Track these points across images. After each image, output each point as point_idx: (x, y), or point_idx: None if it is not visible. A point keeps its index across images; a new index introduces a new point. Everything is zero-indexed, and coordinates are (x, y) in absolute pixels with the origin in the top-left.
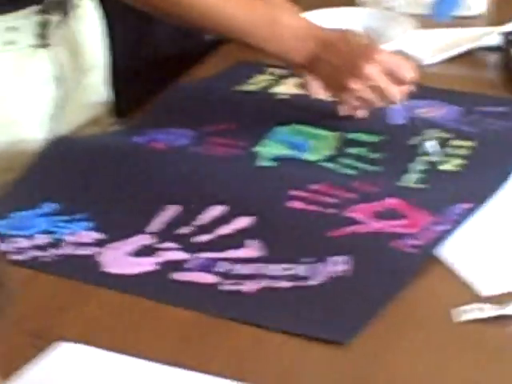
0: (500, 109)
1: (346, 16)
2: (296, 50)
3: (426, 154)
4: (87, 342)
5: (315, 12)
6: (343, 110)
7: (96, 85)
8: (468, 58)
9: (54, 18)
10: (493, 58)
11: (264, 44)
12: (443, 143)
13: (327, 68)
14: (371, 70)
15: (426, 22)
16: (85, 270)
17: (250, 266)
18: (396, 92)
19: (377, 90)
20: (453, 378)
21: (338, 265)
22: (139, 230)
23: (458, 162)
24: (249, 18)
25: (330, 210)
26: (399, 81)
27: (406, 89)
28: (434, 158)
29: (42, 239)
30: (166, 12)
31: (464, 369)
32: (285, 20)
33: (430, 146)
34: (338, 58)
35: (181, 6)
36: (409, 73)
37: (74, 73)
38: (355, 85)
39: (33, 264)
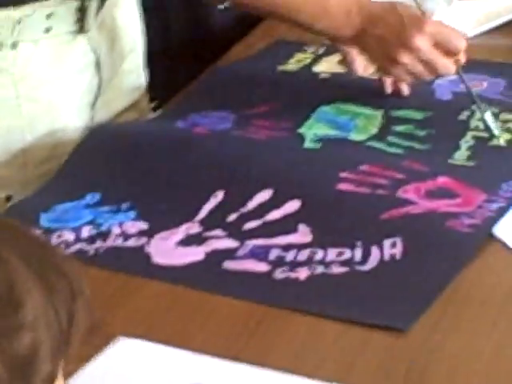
0: None
1: None
2: (345, 26)
3: (478, 128)
4: (142, 337)
5: None
6: (388, 88)
7: (133, 69)
8: (509, 27)
9: (92, 3)
10: None
11: (313, 21)
12: (494, 117)
13: (376, 42)
14: (422, 42)
15: None
16: (135, 262)
17: (303, 252)
18: (448, 64)
19: (428, 63)
20: None
21: (393, 248)
22: (186, 219)
23: (507, 136)
24: None
25: (381, 192)
26: (451, 52)
27: (459, 60)
28: (492, 130)
29: (88, 231)
30: None
31: None
32: None
33: (488, 117)
34: (388, 31)
35: None
36: (461, 43)
37: (111, 58)
38: (406, 58)
39: (82, 257)
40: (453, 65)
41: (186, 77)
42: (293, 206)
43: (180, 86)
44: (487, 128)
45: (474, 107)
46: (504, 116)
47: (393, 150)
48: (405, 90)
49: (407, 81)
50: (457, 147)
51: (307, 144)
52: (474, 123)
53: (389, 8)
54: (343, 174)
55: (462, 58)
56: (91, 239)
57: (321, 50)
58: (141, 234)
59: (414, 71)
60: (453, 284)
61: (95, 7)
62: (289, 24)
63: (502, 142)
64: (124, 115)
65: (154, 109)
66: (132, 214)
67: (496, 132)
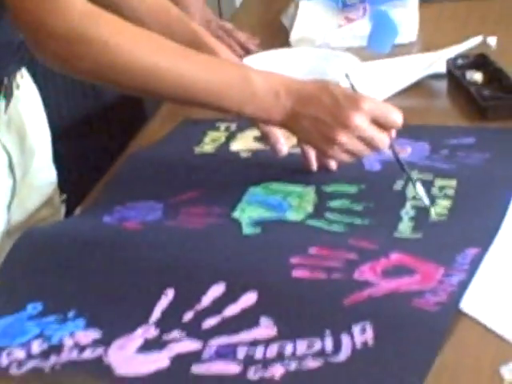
0: (466, 140)
1: (284, 57)
2: (275, 108)
3: (416, 198)
4: None
5: (253, 56)
6: (313, 163)
7: (44, 165)
8: (417, 87)
9: (0, 104)
10: (440, 85)
11: (240, 107)
12: (428, 185)
13: (311, 123)
14: (361, 120)
15: (364, 54)
16: (98, 377)
17: (271, 347)
18: (385, 139)
19: (366, 139)
20: None
21: (364, 333)
22: (139, 322)
23: (447, 203)
24: (225, 80)
25: (338, 275)
26: (387, 127)
27: (390, 135)
28: (424, 202)
29: (39, 346)
30: (130, 87)
31: None
32: (257, 77)
33: (420, 189)
34: (323, 111)
35: (149, 79)
36: (399, 117)
37: (23, 157)
38: (345, 137)
39: (38, 377)
40: (387, 139)
41: (93, 164)
42: (249, 298)
43: (88, 174)
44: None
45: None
46: (439, 182)
47: (334, 227)
48: (332, 164)
49: (345, 160)
50: (399, 219)
51: (245, 230)
52: (410, 193)
53: (320, 87)
54: (295, 260)
55: (393, 132)
56: (44, 355)
57: (233, 127)
58: (95, 343)
59: (353, 149)
60: (435, 368)
61: (3, 107)
62: (210, 110)
63: (432, 214)
64: (39, 213)
65: (65, 201)
66: (81, 322)
67: (427, 203)
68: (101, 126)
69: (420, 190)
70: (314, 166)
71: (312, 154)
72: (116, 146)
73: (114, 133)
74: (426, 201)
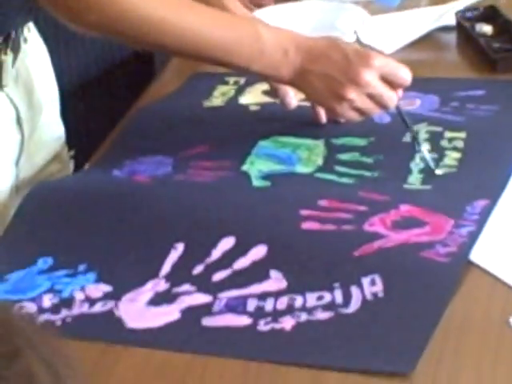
0: (476, 92)
1: (293, 11)
2: (284, 66)
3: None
4: None
5: (263, 10)
6: (322, 116)
7: (52, 121)
8: (427, 40)
9: (8, 57)
10: (450, 38)
11: (248, 63)
12: (438, 137)
13: (320, 80)
14: (371, 76)
15: (373, 7)
16: (109, 330)
17: (281, 300)
18: (394, 97)
19: (376, 97)
20: None
21: (374, 285)
22: (150, 276)
23: (457, 155)
24: (234, 35)
25: (348, 227)
26: (396, 85)
27: (399, 92)
28: (429, 164)
29: (50, 300)
30: (137, 40)
31: None
32: (266, 33)
33: (425, 152)
34: (333, 68)
35: (156, 32)
36: (408, 75)
37: (31, 112)
38: (354, 94)
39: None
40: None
41: (101, 121)
42: (259, 251)
43: (96, 131)
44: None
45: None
46: (448, 134)
47: (344, 180)
48: (341, 119)
49: (354, 118)
50: (408, 171)
51: (255, 183)
52: (420, 147)
53: (331, 44)
54: (305, 212)
55: (400, 91)
56: (55, 308)
57: (242, 81)
58: (106, 297)
59: (362, 107)
60: (444, 318)
61: (10, 61)
62: (217, 65)
63: (447, 162)
64: (47, 168)
65: (73, 157)
66: (91, 276)
67: (432, 166)
68: (110, 84)
69: (425, 152)
70: (324, 118)
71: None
72: (125, 104)
73: (123, 91)
74: (431, 164)
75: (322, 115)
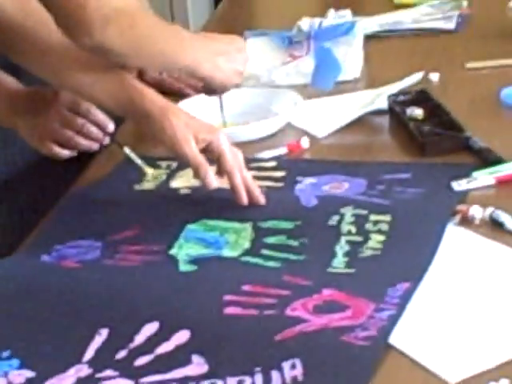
0: (403, 175)
1: (228, 97)
2: None
3: (351, 233)
4: None
5: (196, 97)
6: (242, 197)
7: None
8: (359, 124)
9: None
10: (382, 121)
11: None
12: (363, 220)
13: None
14: None
15: (308, 91)
16: None
17: None
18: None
19: None
20: None
21: (294, 369)
22: (73, 361)
23: (381, 238)
24: None
25: (270, 312)
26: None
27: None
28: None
29: None
30: None
31: None
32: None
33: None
34: None
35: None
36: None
37: None
38: None
39: None
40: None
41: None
42: (182, 336)
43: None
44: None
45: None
46: (373, 217)
47: (270, 263)
48: (260, 199)
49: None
50: (333, 255)
51: (182, 267)
52: (345, 228)
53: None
54: (228, 298)
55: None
56: None
57: (174, 165)
58: (29, 383)
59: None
60: None
61: None
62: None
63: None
64: None
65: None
66: (15, 362)
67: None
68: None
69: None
70: (245, 200)
71: (241, 188)
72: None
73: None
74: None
75: (243, 197)
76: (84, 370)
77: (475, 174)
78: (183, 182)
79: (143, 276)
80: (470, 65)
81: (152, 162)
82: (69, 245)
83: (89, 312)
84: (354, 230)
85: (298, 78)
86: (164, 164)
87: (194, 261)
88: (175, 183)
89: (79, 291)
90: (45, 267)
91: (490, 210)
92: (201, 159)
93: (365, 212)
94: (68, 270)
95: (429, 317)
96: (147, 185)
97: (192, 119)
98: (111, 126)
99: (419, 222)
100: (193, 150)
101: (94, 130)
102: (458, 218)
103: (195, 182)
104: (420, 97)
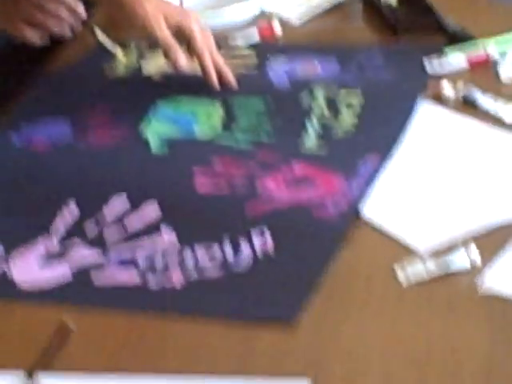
0: (375, 58)
1: None
2: None
3: (323, 114)
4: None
5: None
6: (213, 80)
7: None
8: (334, 10)
9: None
10: (356, 7)
11: None
12: (334, 99)
13: None
14: None
15: None
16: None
17: (172, 256)
18: None
19: None
20: (405, 339)
21: (265, 244)
22: (41, 233)
23: (353, 119)
24: None
25: (241, 187)
26: None
27: None
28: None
29: None
30: None
31: (415, 329)
32: None
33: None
34: None
35: None
36: None
37: None
38: None
39: None
40: None
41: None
42: (151, 208)
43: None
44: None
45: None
46: (346, 99)
47: (243, 146)
48: (232, 82)
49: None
50: (305, 136)
51: (154, 149)
52: (317, 109)
53: None
54: (197, 169)
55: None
56: None
57: (144, 46)
58: None
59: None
60: (332, 272)
61: None
62: None
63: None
64: None
65: None
66: None
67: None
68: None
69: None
70: (215, 79)
71: (211, 69)
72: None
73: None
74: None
75: (213, 78)
76: (52, 241)
77: (447, 49)
78: (155, 67)
79: (114, 158)
80: None
81: (122, 44)
82: (39, 125)
83: (57, 187)
84: (326, 111)
85: None
86: (133, 44)
87: (166, 143)
88: (147, 69)
89: (49, 171)
90: (15, 151)
91: (461, 87)
92: (171, 40)
93: (337, 93)
94: (39, 154)
95: (400, 190)
96: (119, 70)
97: (163, 2)
98: (81, 9)
99: (391, 101)
100: (164, 32)
101: (65, 14)
102: (430, 95)
103: (167, 68)
104: None
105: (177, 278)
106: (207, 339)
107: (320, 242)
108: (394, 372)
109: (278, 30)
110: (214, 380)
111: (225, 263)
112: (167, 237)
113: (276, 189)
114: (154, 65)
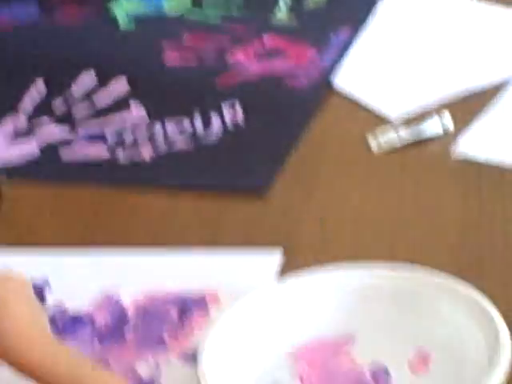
0: None
1: None
2: None
3: None
4: None
5: None
6: None
7: None
8: None
9: None
10: None
11: None
12: None
13: None
14: None
15: None
16: None
17: (141, 130)
18: None
19: None
20: (377, 206)
21: (235, 114)
22: (8, 112)
23: None
24: None
25: (211, 59)
26: None
27: None
28: None
29: None
30: None
31: (388, 196)
32: None
33: None
34: None
35: None
36: None
37: None
38: None
39: None
40: None
41: None
42: (120, 83)
43: None
44: None
45: None
46: None
47: (213, 20)
48: None
49: None
50: (276, 8)
51: (122, 25)
52: None
53: None
54: (166, 43)
55: None
56: None
57: None
58: None
59: None
60: (304, 142)
61: None
62: None
63: None
64: None
65: None
66: None
67: None
68: None
69: None
70: None
71: None
72: None
73: None
74: None
75: None
76: (20, 120)
77: None
78: None
79: (82, 35)
80: None
81: None
82: (3, 4)
83: (23, 65)
84: None
85: None
86: None
87: (134, 19)
88: None
89: (15, 50)
90: None
91: None
92: None
93: None
94: (3, 33)
95: (372, 60)
96: None
97: None
98: None
99: None
100: None
101: None
102: None
103: None
104: None
105: (146, 152)
106: (178, 211)
107: (292, 112)
108: (366, 238)
109: None
110: (186, 252)
111: (195, 135)
112: (136, 112)
113: (247, 61)
114: None
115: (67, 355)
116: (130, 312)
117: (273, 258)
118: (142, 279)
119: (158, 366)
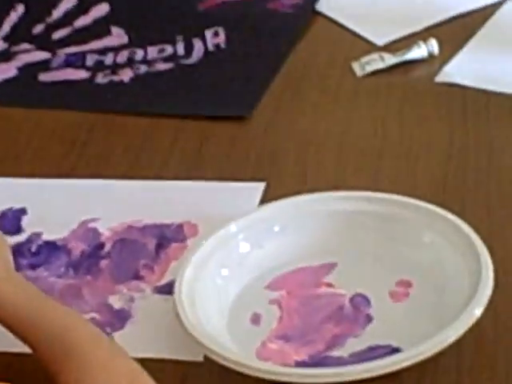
0: None
1: None
2: None
3: None
4: None
5: None
6: None
7: None
8: None
9: None
10: None
11: None
12: None
13: None
14: None
15: None
16: None
17: (122, 54)
18: None
19: None
20: (361, 131)
21: (216, 37)
22: None
23: None
24: None
25: None
26: None
27: None
28: None
29: None
30: None
31: (371, 120)
32: None
33: None
34: None
35: None
36: None
37: None
38: None
39: None
40: None
41: None
42: (101, 9)
43: None
44: None
45: None
46: None
47: None
48: None
49: None
50: None
51: None
52: None
53: None
54: None
55: None
56: None
57: None
58: None
59: None
60: (287, 65)
61: None
62: None
63: None
64: None
65: None
66: None
67: None
68: None
69: None
70: None
71: None
72: None
73: None
74: None
75: None
76: (0, 45)
77: None
78: None
79: None
80: None
81: None
82: None
83: None
84: None
85: None
86: None
87: None
88: None
89: None
90: None
91: None
92: None
93: None
94: None
95: None
96: None
97: None
98: None
99: None
100: None
101: None
102: None
103: None
104: None
105: (125, 72)
106: (159, 136)
107: (275, 36)
108: (350, 164)
109: None
110: (168, 184)
111: (175, 55)
112: (118, 39)
113: None
114: None
115: (28, 288)
116: (107, 243)
117: (255, 191)
118: (121, 211)
119: (132, 298)
